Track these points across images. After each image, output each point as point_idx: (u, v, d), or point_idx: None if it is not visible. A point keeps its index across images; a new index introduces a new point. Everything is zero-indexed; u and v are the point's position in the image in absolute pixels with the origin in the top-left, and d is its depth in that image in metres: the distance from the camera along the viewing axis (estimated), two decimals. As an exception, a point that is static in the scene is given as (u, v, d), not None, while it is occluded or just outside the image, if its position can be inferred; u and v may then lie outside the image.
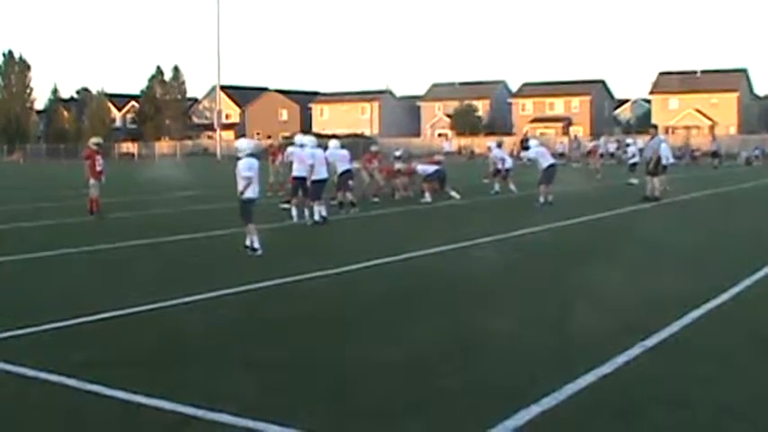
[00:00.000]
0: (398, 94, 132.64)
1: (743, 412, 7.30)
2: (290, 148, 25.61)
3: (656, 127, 33.32)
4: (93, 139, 26.30)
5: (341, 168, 25.69)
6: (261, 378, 8.37)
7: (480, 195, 32.66)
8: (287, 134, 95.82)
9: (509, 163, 35.31)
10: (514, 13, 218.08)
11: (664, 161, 30.01)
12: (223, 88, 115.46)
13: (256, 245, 16.69)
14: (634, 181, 37.69)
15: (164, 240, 19.82)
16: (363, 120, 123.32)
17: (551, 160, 28.63)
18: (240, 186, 16.83)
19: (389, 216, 24.77)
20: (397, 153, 33.13)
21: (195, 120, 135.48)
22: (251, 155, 17.13)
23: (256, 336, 10.29)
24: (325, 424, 6.90)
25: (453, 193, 30.22)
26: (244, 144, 17.62)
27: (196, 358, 9.18)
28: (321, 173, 22.79)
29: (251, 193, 16.86)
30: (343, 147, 26.80)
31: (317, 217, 22.46)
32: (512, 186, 33.79)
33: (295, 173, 23.42)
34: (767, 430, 6.98)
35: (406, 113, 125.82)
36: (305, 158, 22.83)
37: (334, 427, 6.83)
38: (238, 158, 17.14)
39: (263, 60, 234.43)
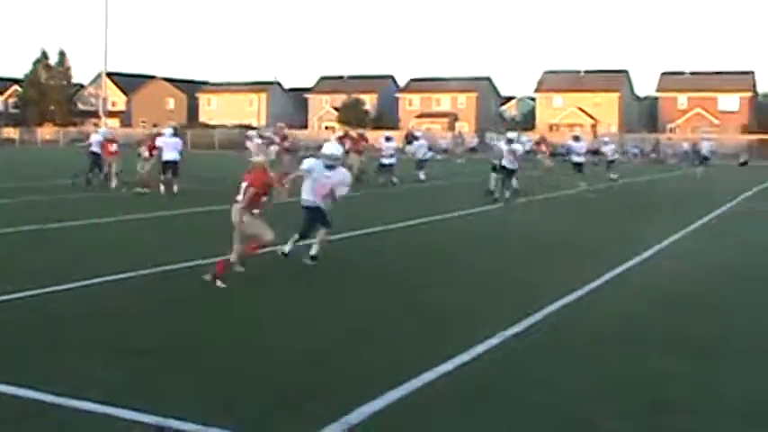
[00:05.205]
0: (287, 85, 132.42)
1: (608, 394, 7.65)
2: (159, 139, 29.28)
3: (512, 129, 34.59)
4: None
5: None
6: (132, 365, 8.38)
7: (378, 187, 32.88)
8: (174, 123, 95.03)
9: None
10: (403, 8, 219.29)
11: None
12: (109, 75, 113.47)
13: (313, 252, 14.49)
14: (614, 176, 40.38)
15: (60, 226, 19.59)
16: (251, 111, 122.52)
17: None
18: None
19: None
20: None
21: (80, 106, 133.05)
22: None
23: (131, 323, 10.26)
24: (186, 410, 6.97)
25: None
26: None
27: (67, 346, 9.09)
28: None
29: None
30: (176, 135, 29.66)
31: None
32: (381, 179, 34.51)
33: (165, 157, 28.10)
34: (629, 413, 7.29)
35: (293, 105, 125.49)
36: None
37: (195, 412, 6.93)
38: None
39: (150, 47, 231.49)
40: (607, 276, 13.81)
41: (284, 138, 33.27)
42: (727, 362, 9.07)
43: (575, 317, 11.02)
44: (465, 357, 8.72)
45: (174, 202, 25.48)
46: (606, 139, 47.79)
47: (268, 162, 13.44)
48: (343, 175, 14.41)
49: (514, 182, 29.42)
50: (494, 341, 9.44)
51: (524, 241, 18.77)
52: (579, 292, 12.40)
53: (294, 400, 7.43)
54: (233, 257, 12.63)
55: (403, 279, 13.80)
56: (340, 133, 43.20)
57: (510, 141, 28.91)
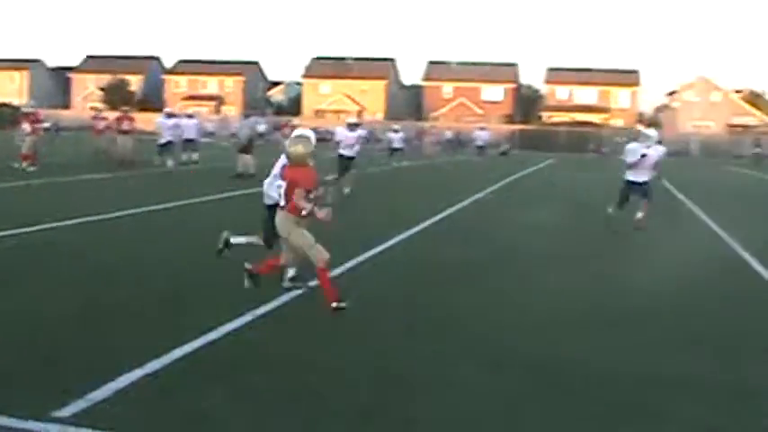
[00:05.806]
0: (50, 64, 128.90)
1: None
2: None
3: (254, 108, 34.99)
4: None
5: None
6: None
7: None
8: None
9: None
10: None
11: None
12: None
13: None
14: (396, 163, 44.34)
15: None
16: (12, 88, 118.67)
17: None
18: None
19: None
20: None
21: None
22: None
23: None
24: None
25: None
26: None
27: None
28: None
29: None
30: None
31: None
32: (170, 162, 34.09)
33: None
34: (357, 385, 7.63)
35: (57, 84, 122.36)
36: None
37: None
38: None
39: None
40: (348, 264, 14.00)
41: (37, 119, 32.71)
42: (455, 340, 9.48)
43: (316, 301, 11.20)
44: (213, 335, 8.93)
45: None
46: (397, 127, 49.15)
47: (312, 154, 10.46)
48: None
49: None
50: (246, 318, 9.72)
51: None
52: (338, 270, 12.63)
53: (40, 377, 7.45)
54: (288, 266, 11.02)
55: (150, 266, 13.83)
56: (100, 111, 42.61)
57: (353, 127, 27.52)
